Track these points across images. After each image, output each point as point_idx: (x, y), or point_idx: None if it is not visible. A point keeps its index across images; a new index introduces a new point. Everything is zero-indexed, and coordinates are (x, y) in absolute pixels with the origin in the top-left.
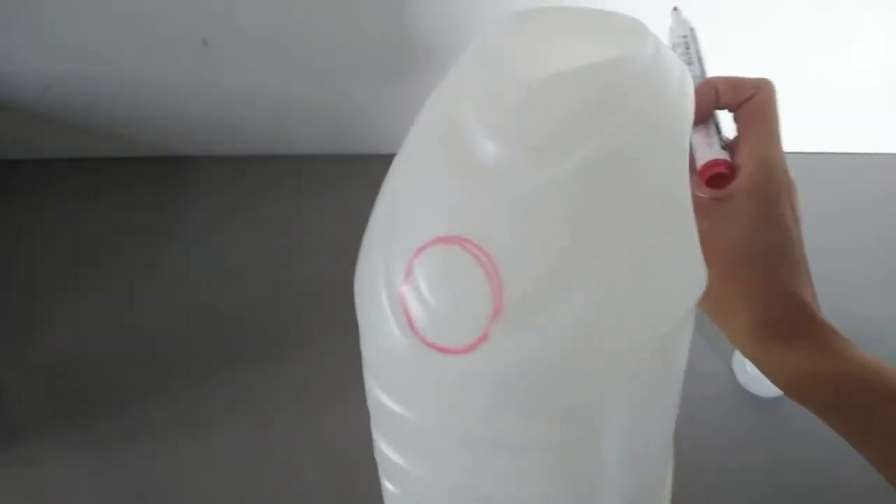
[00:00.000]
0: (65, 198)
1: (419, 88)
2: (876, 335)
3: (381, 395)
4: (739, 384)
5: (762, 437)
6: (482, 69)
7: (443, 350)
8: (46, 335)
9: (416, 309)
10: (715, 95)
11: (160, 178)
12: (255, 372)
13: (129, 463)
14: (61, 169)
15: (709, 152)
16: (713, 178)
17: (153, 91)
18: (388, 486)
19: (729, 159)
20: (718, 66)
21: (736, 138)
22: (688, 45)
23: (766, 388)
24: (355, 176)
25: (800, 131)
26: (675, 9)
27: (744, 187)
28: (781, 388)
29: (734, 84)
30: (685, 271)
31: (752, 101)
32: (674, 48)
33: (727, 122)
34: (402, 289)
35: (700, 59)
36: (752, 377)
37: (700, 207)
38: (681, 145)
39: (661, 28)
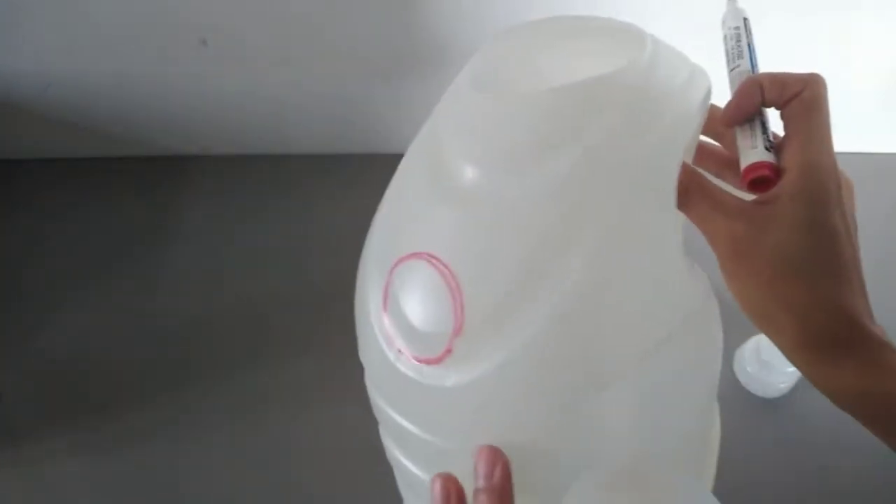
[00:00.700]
0: (65, 197)
1: (420, 88)
2: None
3: (381, 402)
4: (740, 384)
5: (762, 437)
6: (468, 90)
7: (420, 361)
8: (46, 335)
9: (392, 323)
10: (760, 93)
11: (160, 178)
12: (256, 372)
13: (129, 463)
14: (61, 169)
15: (752, 154)
16: (756, 181)
17: (154, 90)
18: (404, 489)
19: (774, 161)
20: (719, 66)
21: (783, 138)
22: (739, 38)
23: (766, 388)
24: (356, 176)
25: None
26: None
27: (788, 191)
28: (835, 404)
29: (780, 80)
30: (663, 287)
31: (798, 98)
32: (725, 40)
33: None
34: (382, 300)
35: (752, 52)
36: (752, 377)
37: (742, 211)
38: (674, 151)
39: (667, 29)
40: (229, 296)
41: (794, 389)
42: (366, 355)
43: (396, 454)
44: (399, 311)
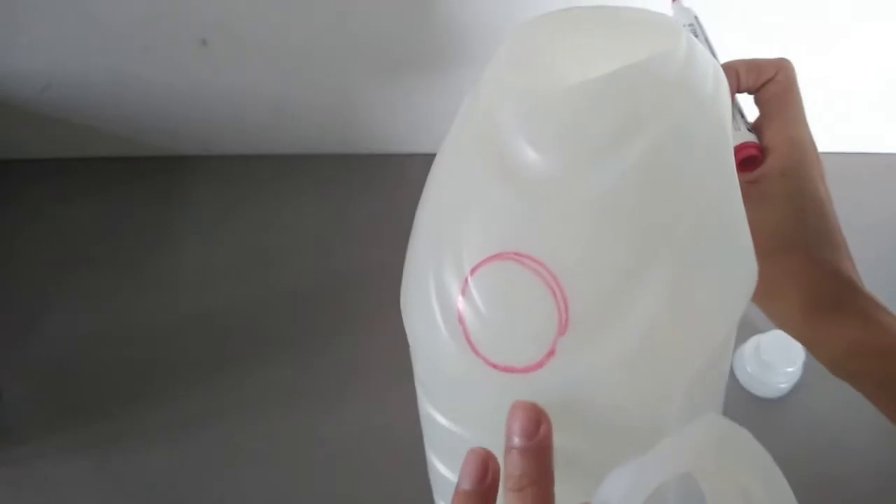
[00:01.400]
0: (64, 197)
1: (420, 88)
2: None
3: (436, 415)
4: (740, 384)
5: (762, 437)
6: (517, 74)
7: (508, 369)
8: (46, 335)
9: (475, 329)
10: (736, 79)
11: (160, 178)
12: (256, 372)
13: (128, 463)
14: (60, 168)
15: (737, 135)
16: (742, 162)
17: (153, 90)
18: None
19: (757, 141)
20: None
21: (760, 119)
22: (696, 34)
23: (766, 388)
24: (356, 176)
25: None
26: (673, 0)
27: (777, 167)
28: (828, 366)
29: (755, 66)
30: (741, 267)
31: (773, 81)
32: None
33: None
34: (460, 308)
35: (710, 47)
36: (752, 377)
37: None
38: (725, 141)
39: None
40: (229, 295)
41: (794, 389)
42: (427, 366)
43: (444, 471)
44: (483, 316)
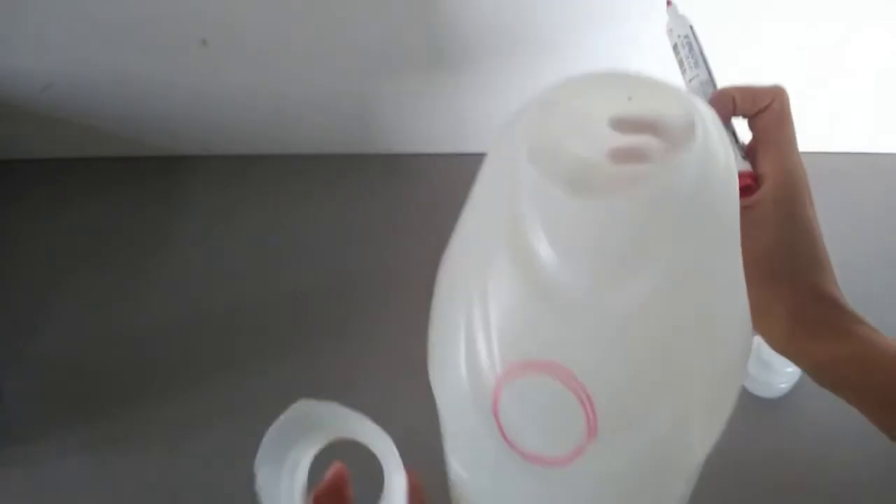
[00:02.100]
0: (64, 197)
1: (420, 88)
2: None
3: (464, 473)
4: None
5: (762, 437)
6: (532, 163)
7: (538, 460)
8: (46, 335)
9: (509, 422)
10: (732, 105)
11: (161, 178)
12: (256, 372)
13: (128, 463)
14: (61, 168)
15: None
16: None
17: (153, 90)
18: None
19: (751, 169)
20: (718, 67)
21: (753, 144)
22: (691, 46)
23: (766, 388)
24: (356, 176)
25: (799, 131)
26: (668, 3)
27: (771, 195)
28: (818, 382)
29: (750, 94)
30: (745, 345)
31: (769, 109)
32: (676, 50)
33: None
34: (494, 400)
35: (705, 59)
36: (752, 377)
37: None
38: (734, 230)
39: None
40: (229, 295)
41: (794, 389)
42: (457, 438)
43: None
44: (516, 413)
